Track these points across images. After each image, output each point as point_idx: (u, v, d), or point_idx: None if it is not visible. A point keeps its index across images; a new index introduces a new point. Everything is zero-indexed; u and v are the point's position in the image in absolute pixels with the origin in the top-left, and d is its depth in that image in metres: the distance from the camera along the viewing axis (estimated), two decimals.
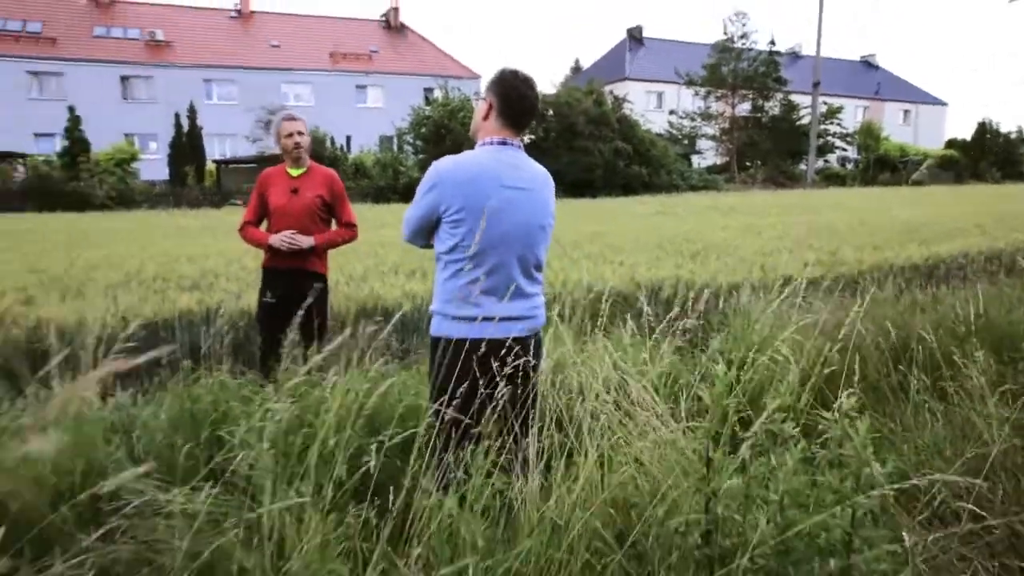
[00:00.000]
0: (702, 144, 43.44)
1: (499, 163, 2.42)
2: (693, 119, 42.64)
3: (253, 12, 47.92)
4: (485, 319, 2.37)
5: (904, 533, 1.67)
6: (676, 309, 2.79)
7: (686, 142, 42.03)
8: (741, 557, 1.32)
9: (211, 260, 7.55)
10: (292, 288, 3.99)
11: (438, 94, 33.61)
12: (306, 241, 3.99)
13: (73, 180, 26.25)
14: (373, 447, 2.21)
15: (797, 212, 15.98)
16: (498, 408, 2.18)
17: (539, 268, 2.59)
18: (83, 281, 6.21)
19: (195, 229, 13.90)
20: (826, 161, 45.87)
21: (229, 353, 4.56)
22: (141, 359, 1.86)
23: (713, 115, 42.26)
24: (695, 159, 41.51)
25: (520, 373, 2.30)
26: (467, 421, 2.25)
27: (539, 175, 2.55)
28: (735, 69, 40.28)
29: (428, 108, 32.32)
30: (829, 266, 6.90)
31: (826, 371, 2.23)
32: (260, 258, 4.19)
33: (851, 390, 1.59)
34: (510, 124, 2.48)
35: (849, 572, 1.27)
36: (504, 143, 2.47)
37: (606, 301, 3.23)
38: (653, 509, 1.60)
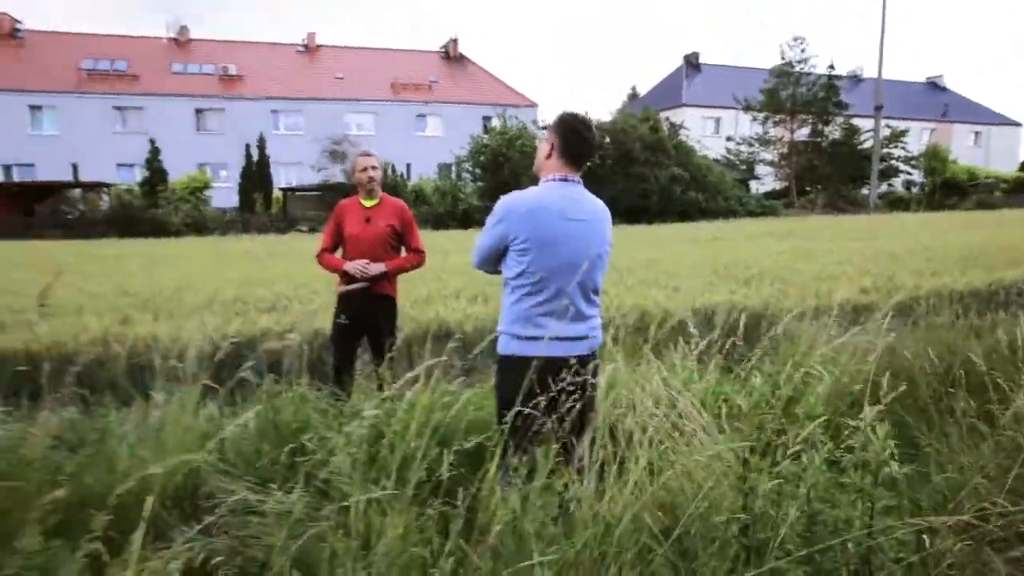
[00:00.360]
0: (760, 170, 42.99)
1: (561, 198, 2.69)
2: (751, 144, 42.30)
3: (319, 46, 49.88)
4: (549, 339, 2.62)
5: (925, 536, 1.83)
6: (717, 331, 2.99)
7: (744, 168, 41.67)
8: (774, 543, 1.53)
9: (282, 284, 8.02)
10: (364, 310, 4.31)
11: (496, 123, 34.29)
12: (378, 268, 4.29)
13: (152, 208, 27.77)
14: (445, 453, 2.50)
15: (855, 237, 15.78)
16: (558, 420, 2.43)
17: (597, 292, 2.84)
18: (171, 303, 6.72)
19: (265, 255, 14.59)
20: (890, 185, 44.76)
21: (306, 369, 4.93)
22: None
23: (771, 140, 41.84)
24: (753, 185, 41.10)
25: (578, 389, 2.54)
26: (530, 432, 2.50)
27: (597, 208, 2.81)
28: (794, 94, 39.87)
29: (486, 136, 32.99)
30: (885, 292, 6.92)
31: (858, 387, 2.39)
32: (330, 282, 4.52)
33: (879, 405, 1.77)
34: (570, 162, 2.75)
35: (868, 557, 1.46)
36: (565, 179, 2.74)
37: (658, 326, 3.44)
38: (695, 507, 1.81)
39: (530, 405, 2.50)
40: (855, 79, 54.18)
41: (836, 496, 1.64)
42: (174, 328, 5.38)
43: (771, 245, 14.59)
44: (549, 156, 2.78)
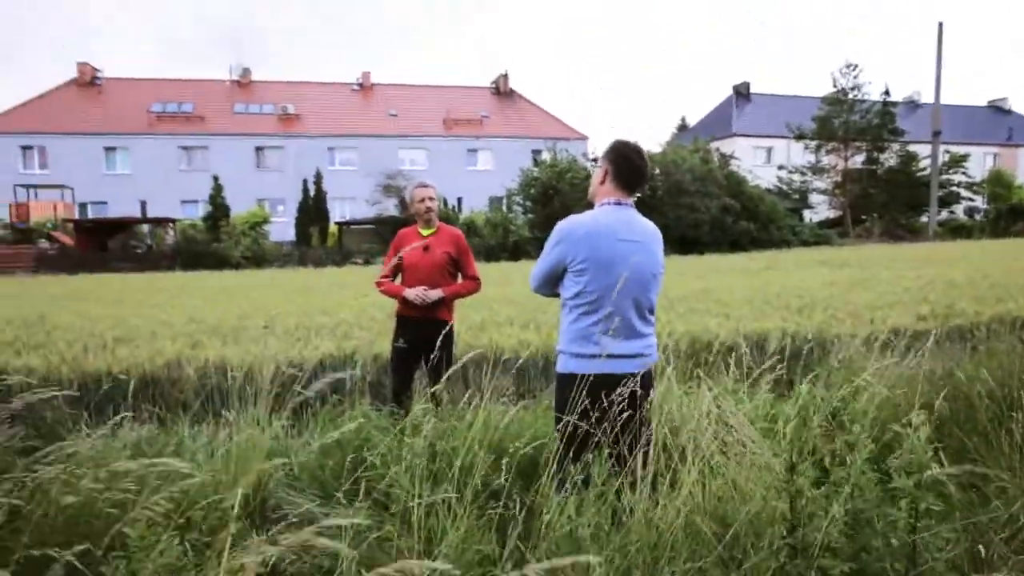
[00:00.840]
0: (815, 199, 42.29)
1: (616, 220, 2.83)
2: (803, 173, 41.73)
3: (373, 84, 51.43)
4: (605, 356, 2.74)
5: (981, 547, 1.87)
6: (768, 355, 3.06)
7: (796, 197, 41.07)
8: (820, 542, 1.60)
9: (342, 313, 8.30)
10: (422, 335, 4.47)
11: (546, 156, 34.70)
12: (436, 294, 4.45)
13: (215, 242, 28.88)
14: (504, 462, 2.63)
15: (913, 265, 15.41)
16: (614, 432, 2.54)
17: (651, 311, 2.95)
18: (236, 329, 7.04)
19: (323, 286, 15.04)
20: (951, 212, 43.47)
21: (367, 391, 5.14)
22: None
23: (824, 168, 41.19)
24: (807, 214, 40.45)
25: (633, 404, 2.64)
26: (586, 445, 2.61)
27: (649, 230, 2.94)
28: (847, 121, 39.29)
29: (536, 169, 33.39)
30: (944, 318, 6.80)
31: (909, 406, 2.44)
32: (386, 310, 4.72)
33: (921, 414, 1.83)
34: (623, 187, 2.89)
35: (913, 555, 1.52)
36: (619, 203, 2.88)
37: (708, 350, 3.52)
38: (745, 512, 1.89)
39: (587, 419, 2.61)
40: (912, 104, 53.07)
41: (883, 500, 1.71)
42: (241, 352, 5.66)
43: (825, 274, 14.38)
44: (603, 182, 2.92)
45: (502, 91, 52.95)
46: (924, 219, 40.67)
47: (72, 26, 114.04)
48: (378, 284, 4.74)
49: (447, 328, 4.64)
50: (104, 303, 11.14)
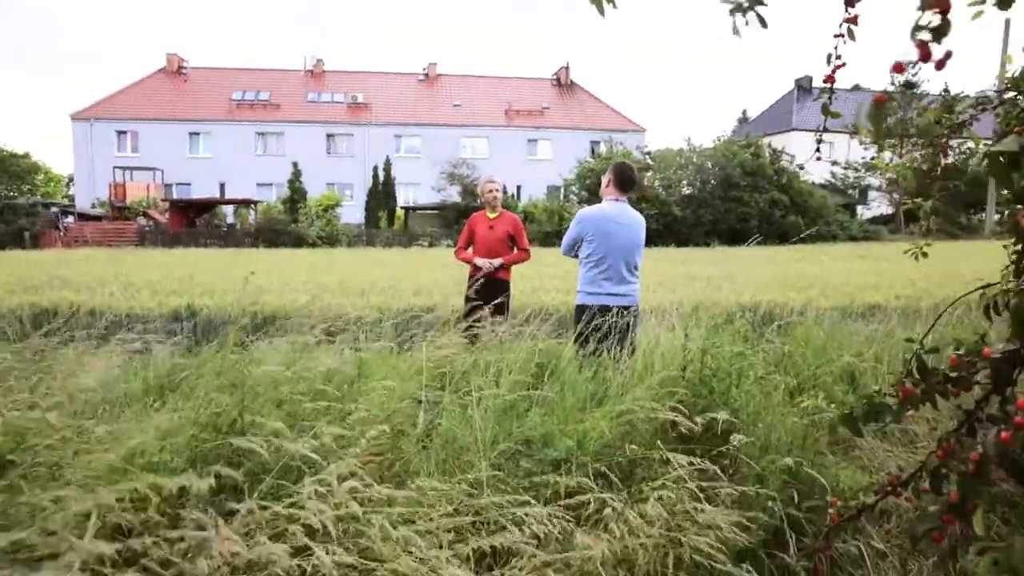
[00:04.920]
0: (874, 195, 42.51)
1: (613, 210, 4.57)
2: (856, 169, 42.09)
3: (439, 75, 53.47)
4: (605, 293, 4.48)
5: None
6: (750, 314, 4.73)
7: (850, 192, 41.46)
8: (697, 370, 3.31)
9: (420, 280, 10.20)
10: (488, 290, 6.23)
11: (603, 148, 36.12)
12: (498, 262, 6.22)
13: (293, 223, 31.45)
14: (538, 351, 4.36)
15: (944, 260, 16.44)
16: (611, 341, 4.26)
17: (636, 268, 4.67)
18: (340, 288, 9.00)
19: (396, 262, 17.08)
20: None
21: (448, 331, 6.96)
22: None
23: (877, 165, 41.34)
24: (862, 210, 40.84)
25: (623, 325, 4.36)
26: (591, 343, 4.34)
27: (636, 217, 4.67)
28: (903, 118, 39.46)
29: (592, 161, 34.90)
30: (916, 299, 8.23)
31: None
32: (456, 274, 6.41)
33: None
34: (619, 189, 4.63)
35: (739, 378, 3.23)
36: (616, 199, 4.62)
37: (694, 310, 5.15)
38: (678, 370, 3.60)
39: (591, 330, 4.35)
40: (978, 100, 52.21)
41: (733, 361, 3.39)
42: (351, 302, 7.58)
43: (854, 264, 15.63)
44: (607, 186, 4.67)
45: (563, 83, 54.28)
46: (983, 217, 40.54)
47: (160, 16, 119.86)
48: (456, 253, 6.53)
49: (506, 286, 6.42)
50: (222, 268, 13.35)
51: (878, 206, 42.86)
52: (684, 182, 32.95)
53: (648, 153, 34.88)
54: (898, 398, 1.60)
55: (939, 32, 1.39)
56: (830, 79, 1.91)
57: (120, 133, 44.83)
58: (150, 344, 4.60)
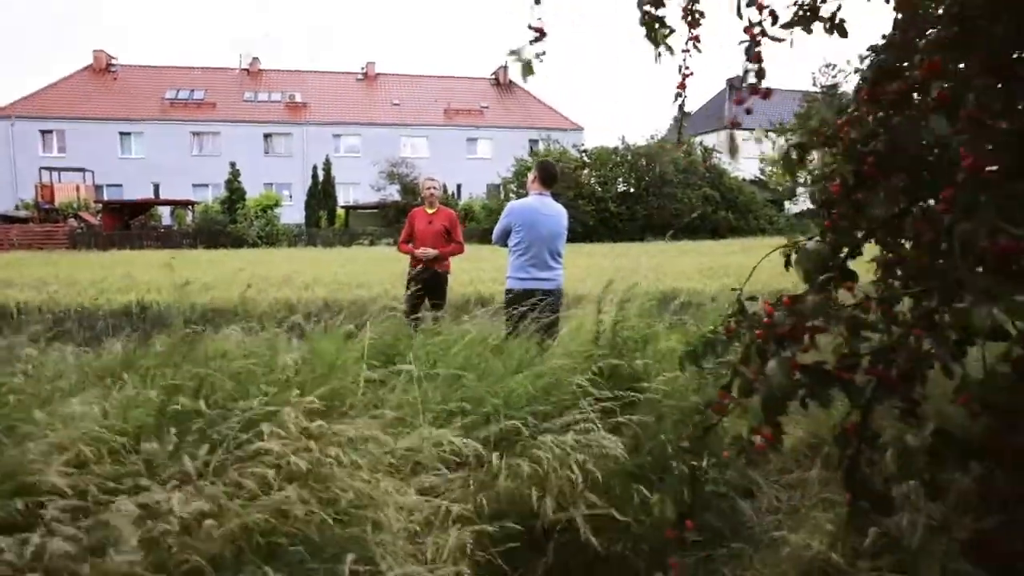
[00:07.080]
0: (799, 190, 44.41)
1: (538, 202, 5.13)
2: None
3: (377, 74, 53.37)
4: (531, 278, 5.02)
5: None
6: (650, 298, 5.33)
7: (779, 189, 43.27)
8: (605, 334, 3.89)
9: (362, 275, 10.61)
10: (427, 283, 6.71)
11: (542, 146, 36.87)
12: (434, 252, 6.71)
13: (232, 223, 31.15)
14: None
15: None
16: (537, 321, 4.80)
17: (559, 255, 5.24)
18: (287, 283, 9.34)
19: (338, 260, 17.36)
20: None
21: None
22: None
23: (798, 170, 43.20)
24: (789, 205, 42.65)
25: (549, 307, 4.91)
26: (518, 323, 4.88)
27: (558, 210, 5.24)
28: (824, 119, 41.35)
29: (531, 159, 35.59)
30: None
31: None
32: (397, 268, 6.86)
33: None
34: (544, 184, 5.19)
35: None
36: (541, 193, 5.18)
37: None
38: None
39: (521, 313, 4.88)
40: None
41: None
42: (297, 295, 7.96)
43: (769, 255, 16.61)
44: (533, 181, 5.22)
45: (502, 82, 54.82)
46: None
47: (85, 13, 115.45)
48: (399, 246, 6.99)
49: (444, 279, 6.91)
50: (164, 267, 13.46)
51: (804, 201, 44.85)
52: (620, 179, 34.00)
53: (585, 151, 35.77)
54: (725, 335, 2.16)
55: (759, 75, 1.95)
56: (682, 86, 2.47)
57: (45, 132, 43.38)
58: (101, 337, 4.91)
